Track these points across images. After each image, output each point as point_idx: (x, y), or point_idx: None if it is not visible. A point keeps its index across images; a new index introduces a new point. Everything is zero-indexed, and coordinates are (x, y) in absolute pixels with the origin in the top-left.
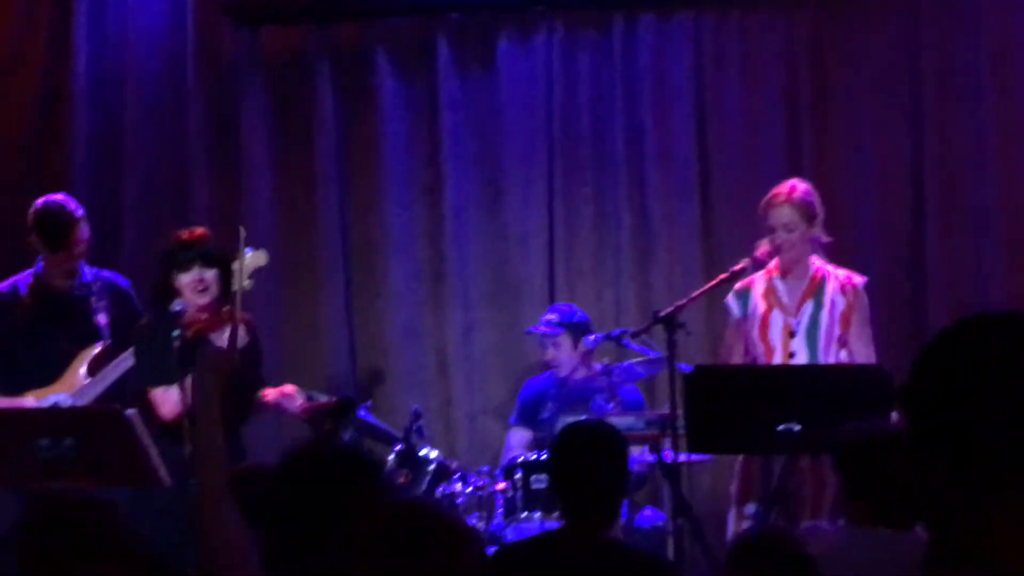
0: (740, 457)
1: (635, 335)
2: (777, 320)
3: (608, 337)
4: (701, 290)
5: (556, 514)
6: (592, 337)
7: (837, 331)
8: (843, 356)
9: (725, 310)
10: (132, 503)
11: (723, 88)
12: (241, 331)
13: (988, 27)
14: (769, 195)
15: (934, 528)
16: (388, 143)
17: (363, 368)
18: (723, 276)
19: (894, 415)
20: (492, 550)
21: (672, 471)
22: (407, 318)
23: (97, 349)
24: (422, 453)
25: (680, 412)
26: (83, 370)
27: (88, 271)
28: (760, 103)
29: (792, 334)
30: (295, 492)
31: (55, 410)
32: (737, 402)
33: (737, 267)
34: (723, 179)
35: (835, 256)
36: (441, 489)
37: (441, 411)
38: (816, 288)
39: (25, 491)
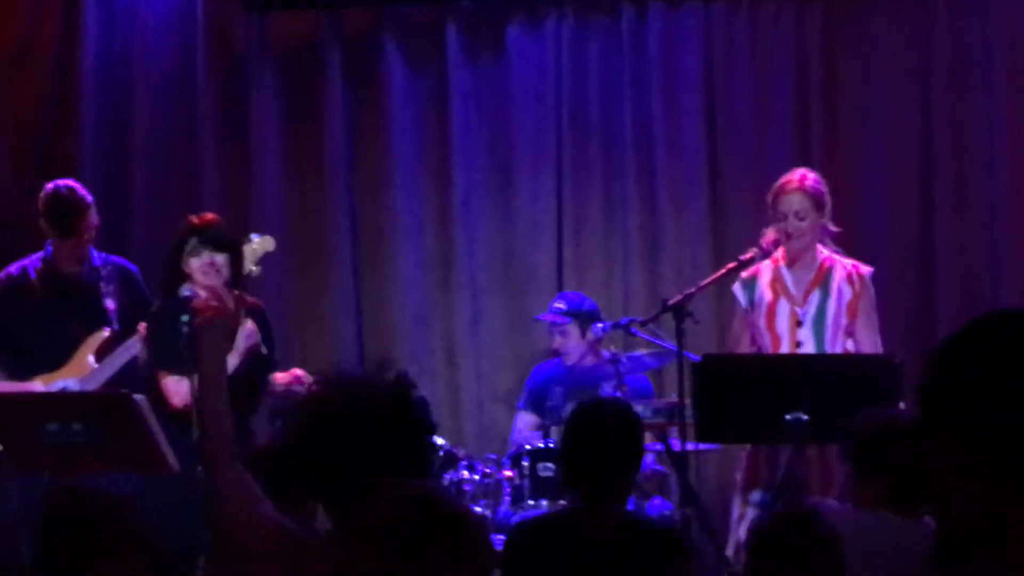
0: (747, 445)
1: (643, 323)
2: (784, 309)
3: (616, 325)
4: (710, 279)
5: (562, 502)
6: (600, 325)
7: (844, 321)
8: (850, 346)
9: (734, 299)
10: (143, 493)
11: (733, 77)
12: (248, 324)
13: (1000, 18)
14: (779, 183)
15: (943, 521)
16: (397, 130)
17: (371, 354)
18: (731, 265)
19: (901, 405)
20: (498, 538)
21: (679, 460)
22: (415, 305)
23: (105, 334)
24: None
25: (688, 401)
26: (91, 355)
27: (98, 256)
28: (770, 92)
29: (799, 323)
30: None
31: (64, 395)
32: (745, 391)
33: (745, 256)
34: (732, 168)
35: (844, 246)
36: (448, 476)
37: (449, 398)
38: (823, 277)
39: (42, 484)
